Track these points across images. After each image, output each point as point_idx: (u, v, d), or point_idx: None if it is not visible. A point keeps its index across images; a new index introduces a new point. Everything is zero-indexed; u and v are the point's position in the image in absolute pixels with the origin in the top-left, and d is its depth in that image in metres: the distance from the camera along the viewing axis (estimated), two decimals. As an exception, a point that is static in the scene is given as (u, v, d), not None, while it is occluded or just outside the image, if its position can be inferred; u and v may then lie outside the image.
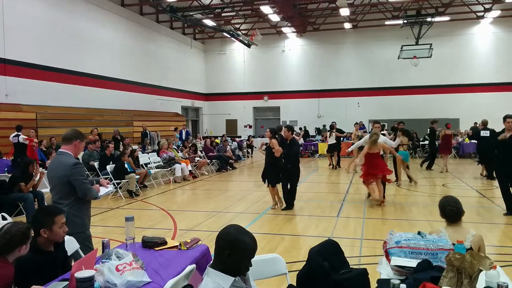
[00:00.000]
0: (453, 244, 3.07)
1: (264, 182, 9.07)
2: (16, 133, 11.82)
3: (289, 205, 8.89)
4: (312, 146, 22.65)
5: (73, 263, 3.31)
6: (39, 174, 8.55)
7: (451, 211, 3.58)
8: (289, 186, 8.87)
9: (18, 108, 14.07)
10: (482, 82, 25.07)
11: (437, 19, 22.66)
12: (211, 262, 2.35)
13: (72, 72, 16.90)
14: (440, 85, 25.57)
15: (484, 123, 12.87)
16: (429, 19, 22.20)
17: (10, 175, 8.85)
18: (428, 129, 15.40)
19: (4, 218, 3.74)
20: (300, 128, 26.10)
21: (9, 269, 2.78)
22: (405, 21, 22.59)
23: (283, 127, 9.26)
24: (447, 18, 23.88)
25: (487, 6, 23.32)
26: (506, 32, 25.13)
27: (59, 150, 4.15)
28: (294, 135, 9.04)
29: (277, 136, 8.87)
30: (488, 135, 12.31)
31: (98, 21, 18.66)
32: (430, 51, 22.38)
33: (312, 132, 26.26)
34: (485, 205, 9.19)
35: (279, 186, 8.99)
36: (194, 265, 3.14)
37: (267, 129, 9.05)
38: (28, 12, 14.85)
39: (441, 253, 3.03)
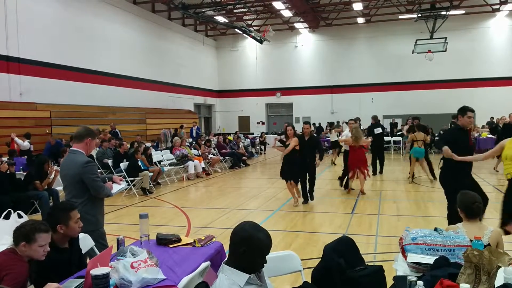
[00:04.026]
0: (471, 241, 3.02)
1: (283, 179, 9.02)
2: (27, 140, 12.17)
3: (306, 199, 9.07)
4: (326, 143, 22.50)
5: (88, 260, 3.34)
6: (54, 172, 8.61)
7: (478, 207, 3.49)
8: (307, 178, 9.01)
9: (33, 106, 14.23)
10: (498, 76, 24.68)
11: (451, 12, 22.30)
12: (226, 259, 2.35)
13: (85, 70, 17.05)
14: (455, 80, 25.24)
15: None
16: (443, 12, 21.85)
17: (25, 173, 8.94)
18: (451, 124, 15.24)
19: (20, 216, 3.77)
20: (314, 124, 26.01)
21: (24, 266, 2.80)
22: (419, 15, 22.29)
23: (303, 123, 9.24)
24: (462, 11, 23.52)
25: (502, -2, 22.94)
26: (523, 25, 24.69)
27: (71, 148, 4.15)
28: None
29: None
30: None
31: (111, 19, 18.79)
32: (445, 45, 22.05)
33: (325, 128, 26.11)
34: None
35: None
36: (208, 262, 3.13)
37: (288, 126, 8.99)
38: (41, 11, 15.01)
39: (458, 250, 2.99)
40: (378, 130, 13.17)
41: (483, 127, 22.08)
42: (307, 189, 9.10)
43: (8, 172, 8.11)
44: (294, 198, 8.92)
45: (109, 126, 16.13)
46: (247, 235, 2.19)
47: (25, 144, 12.13)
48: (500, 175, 12.65)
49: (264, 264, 2.27)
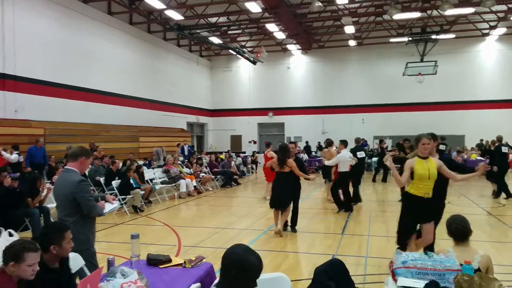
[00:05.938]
0: (461, 265, 3.04)
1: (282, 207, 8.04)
2: (16, 152, 11.91)
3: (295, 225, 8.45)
4: (317, 162, 22.59)
5: (77, 280, 3.32)
6: (46, 189, 8.56)
7: (457, 229, 3.57)
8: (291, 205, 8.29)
9: (27, 124, 14.19)
10: (488, 99, 25.06)
11: (442, 36, 22.77)
12: (216, 281, 2.35)
13: (81, 89, 17.08)
14: (445, 102, 25.56)
15: (499, 139, 12.40)
16: (434, 36, 22.33)
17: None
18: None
19: (10, 235, 3.75)
20: (307, 142, 26.36)
21: (13, 286, 2.78)
22: (410, 39, 22.72)
23: (288, 143, 8.42)
24: (452, 35, 23.94)
25: (492, 23, 23.38)
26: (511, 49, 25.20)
27: (65, 167, 4.19)
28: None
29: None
30: (507, 151, 12.15)
31: (107, 39, 18.90)
32: (435, 68, 22.44)
33: (313, 147, 26.30)
34: (492, 223, 9.11)
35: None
36: (198, 284, 3.13)
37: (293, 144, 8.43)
38: (38, 30, 15.08)
39: (448, 274, 3.01)
40: (361, 154, 12.38)
41: (472, 149, 22.31)
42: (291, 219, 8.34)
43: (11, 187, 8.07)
44: (282, 225, 8.03)
45: (87, 144, 14.52)
46: (238, 258, 2.20)
47: (13, 156, 11.72)
48: (488, 196, 12.71)
49: None
